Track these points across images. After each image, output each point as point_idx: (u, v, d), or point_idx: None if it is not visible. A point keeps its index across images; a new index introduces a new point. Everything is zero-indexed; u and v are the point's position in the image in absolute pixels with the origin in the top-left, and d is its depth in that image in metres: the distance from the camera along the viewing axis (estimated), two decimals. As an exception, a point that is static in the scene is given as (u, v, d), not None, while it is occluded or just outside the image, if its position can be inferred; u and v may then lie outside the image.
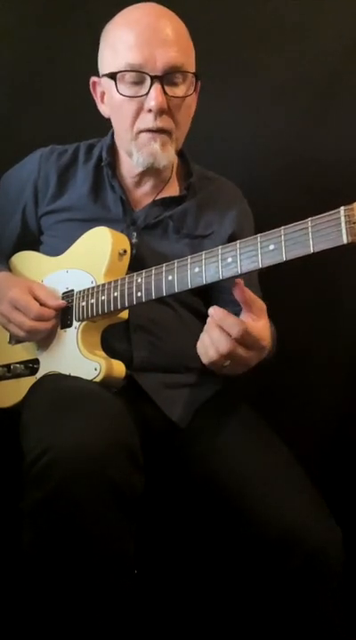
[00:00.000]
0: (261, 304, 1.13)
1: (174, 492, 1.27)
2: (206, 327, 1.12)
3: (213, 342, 1.10)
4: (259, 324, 1.11)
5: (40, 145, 1.46)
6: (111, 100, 1.30)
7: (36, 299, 1.28)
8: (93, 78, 1.34)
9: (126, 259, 1.28)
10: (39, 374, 1.31)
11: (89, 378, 1.22)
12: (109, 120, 1.37)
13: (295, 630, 1.11)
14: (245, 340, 1.09)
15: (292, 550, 1.09)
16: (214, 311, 1.10)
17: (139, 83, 1.25)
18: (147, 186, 1.38)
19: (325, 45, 1.69)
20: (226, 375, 1.23)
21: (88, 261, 1.30)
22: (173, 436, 1.28)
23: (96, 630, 1.03)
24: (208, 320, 1.11)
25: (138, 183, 1.38)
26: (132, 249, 1.30)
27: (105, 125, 1.40)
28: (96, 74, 1.34)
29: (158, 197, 1.38)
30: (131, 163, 1.34)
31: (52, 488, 1.01)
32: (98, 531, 1.02)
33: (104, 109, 1.36)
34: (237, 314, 1.30)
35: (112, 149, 1.40)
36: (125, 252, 1.28)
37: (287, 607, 1.11)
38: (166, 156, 1.28)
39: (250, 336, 1.09)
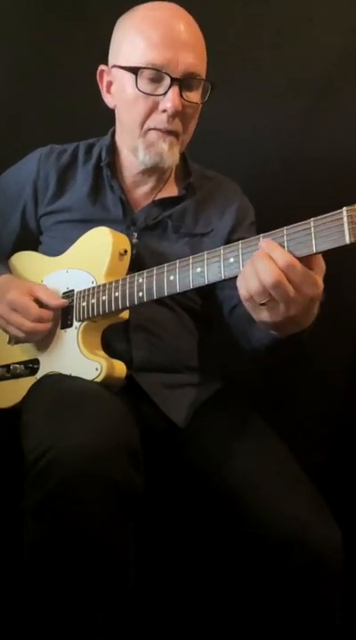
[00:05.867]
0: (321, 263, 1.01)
1: (174, 491, 1.28)
2: (251, 259, 1.01)
3: (256, 271, 0.99)
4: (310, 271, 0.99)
5: (40, 145, 1.46)
6: (123, 92, 1.29)
7: (37, 300, 1.28)
8: (102, 67, 1.33)
9: (127, 259, 1.28)
10: (39, 374, 1.31)
11: (90, 378, 1.21)
12: (108, 120, 1.36)
13: (294, 630, 1.11)
14: (291, 274, 0.98)
15: (292, 550, 1.09)
16: (265, 242, 1.00)
17: (156, 81, 1.25)
18: (146, 186, 1.38)
19: (324, 46, 1.69)
20: (265, 323, 1.05)
21: (88, 261, 1.29)
22: (173, 436, 1.28)
23: (96, 630, 1.03)
24: (256, 253, 1.01)
25: (138, 183, 1.38)
26: (132, 249, 1.29)
27: (105, 125, 1.40)
28: (96, 73, 1.34)
29: (158, 198, 1.38)
30: (133, 161, 1.34)
31: (53, 488, 1.01)
32: (98, 530, 1.02)
33: (109, 100, 1.35)
34: (234, 308, 1.31)
35: (112, 149, 1.40)
36: (125, 252, 1.28)
37: (286, 607, 1.11)
38: (172, 157, 1.29)
39: (298, 272, 0.97)
